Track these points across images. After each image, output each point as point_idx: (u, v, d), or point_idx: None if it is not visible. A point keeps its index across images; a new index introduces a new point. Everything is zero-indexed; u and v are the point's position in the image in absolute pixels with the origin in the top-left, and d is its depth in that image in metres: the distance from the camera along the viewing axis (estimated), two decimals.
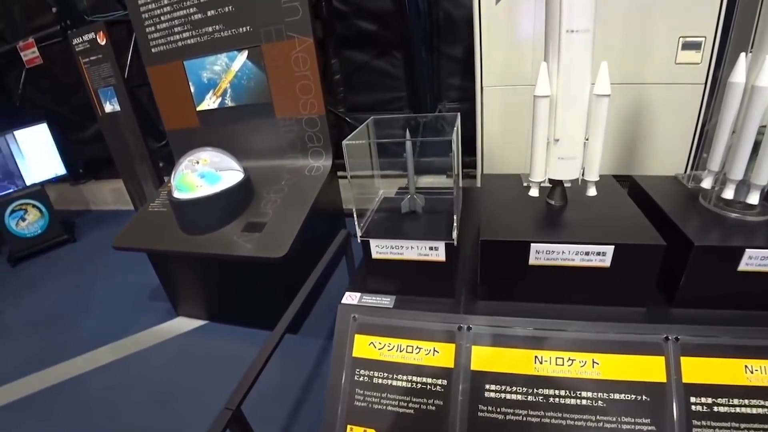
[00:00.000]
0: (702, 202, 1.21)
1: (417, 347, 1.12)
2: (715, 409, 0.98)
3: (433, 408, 1.07)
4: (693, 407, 0.99)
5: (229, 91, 2.14)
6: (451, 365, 1.09)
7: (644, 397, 1.00)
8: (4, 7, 3.46)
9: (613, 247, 1.03)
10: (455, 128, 1.17)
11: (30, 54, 3.37)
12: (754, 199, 1.08)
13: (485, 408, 1.04)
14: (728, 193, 1.11)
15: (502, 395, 1.04)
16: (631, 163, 1.94)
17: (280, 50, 1.98)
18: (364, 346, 1.16)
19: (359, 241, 1.17)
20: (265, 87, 2.08)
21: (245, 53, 2.04)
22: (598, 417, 1.00)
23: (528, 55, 1.80)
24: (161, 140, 3.20)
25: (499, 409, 1.04)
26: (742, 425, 0.97)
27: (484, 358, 1.08)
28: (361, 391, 1.12)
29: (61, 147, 3.46)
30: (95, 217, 3.93)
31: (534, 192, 1.18)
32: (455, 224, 1.07)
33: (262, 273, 1.89)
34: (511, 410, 1.03)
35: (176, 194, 1.92)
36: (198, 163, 1.96)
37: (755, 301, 1.06)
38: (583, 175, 1.13)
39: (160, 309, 2.30)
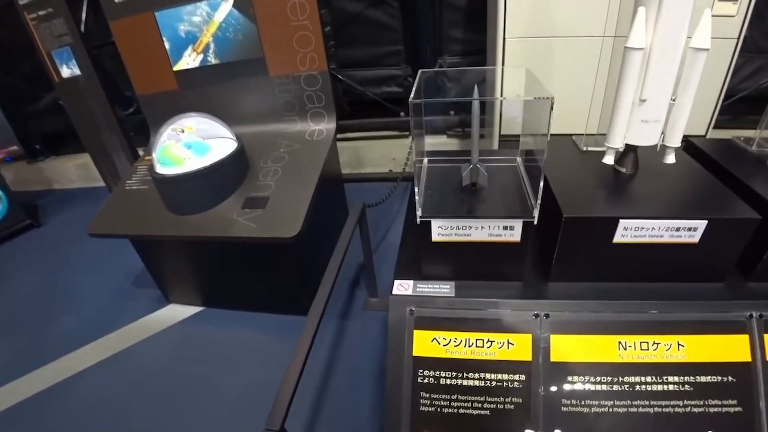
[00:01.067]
0: None
1: (488, 340, 1.00)
2: None
3: (512, 407, 0.97)
4: None
5: (212, 46, 1.83)
6: (529, 358, 0.98)
7: (730, 378, 0.95)
8: None
9: (706, 222, 0.93)
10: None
11: None
12: None
13: (569, 402, 0.96)
14: None
15: (587, 386, 0.96)
16: None
17: None
18: (426, 343, 1.03)
19: (418, 221, 1.01)
20: (255, 40, 1.79)
21: (230, 0, 1.73)
22: (685, 402, 0.95)
23: (558, 3, 1.63)
24: (128, 108, 2.80)
25: (584, 402, 0.95)
26: None
27: (565, 347, 0.98)
28: (427, 395, 1.00)
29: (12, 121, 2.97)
30: (60, 198, 3.45)
31: (609, 159, 1.06)
32: (538, 199, 0.93)
33: (264, 252, 1.70)
34: (597, 402, 0.95)
35: (160, 169, 1.66)
36: (183, 131, 1.69)
37: None
38: (662, 140, 1.02)
39: (149, 297, 2.06)
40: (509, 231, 0.98)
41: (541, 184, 0.91)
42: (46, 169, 3.60)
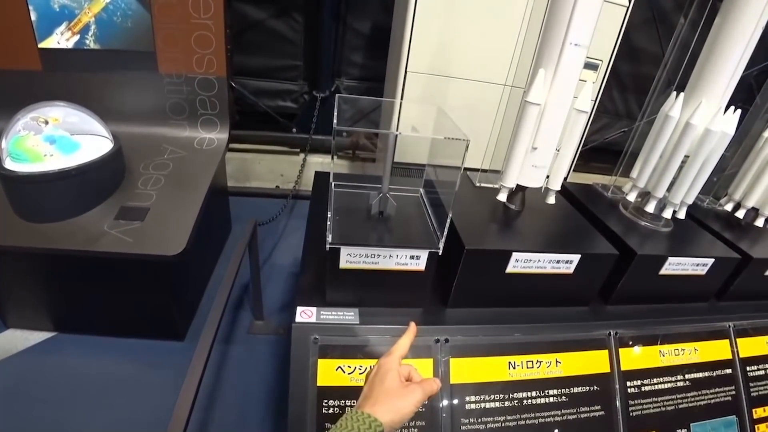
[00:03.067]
0: (622, 210, 1.38)
1: None
2: (643, 388, 1.16)
3: (416, 430, 0.99)
4: (629, 390, 1.15)
5: (93, 27, 1.58)
6: None
7: (595, 387, 1.12)
8: None
9: (579, 256, 1.09)
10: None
11: None
12: (668, 213, 1.27)
13: (467, 420, 1.02)
14: (650, 207, 1.29)
15: (482, 405, 1.04)
16: None
17: None
18: (331, 373, 1.00)
19: (327, 248, 0.99)
20: (147, 30, 1.60)
21: None
22: (562, 411, 1.08)
23: (459, 47, 1.78)
24: None
25: (480, 419, 1.02)
26: (659, 398, 1.17)
27: (463, 369, 1.05)
28: (331, 425, 0.97)
29: None
30: None
31: (503, 196, 1.18)
32: (445, 231, 0.98)
33: (136, 270, 1.51)
34: (491, 418, 1.03)
35: (10, 164, 1.37)
36: (47, 123, 1.42)
37: (668, 296, 1.27)
38: (546, 183, 1.17)
39: None
40: (415, 260, 1.02)
41: (449, 218, 0.97)
42: None
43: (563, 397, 1.09)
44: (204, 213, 1.60)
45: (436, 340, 1.05)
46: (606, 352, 1.15)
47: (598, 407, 1.11)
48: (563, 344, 1.12)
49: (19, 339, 1.63)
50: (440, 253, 1.01)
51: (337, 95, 1.08)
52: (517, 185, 1.17)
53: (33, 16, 1.58)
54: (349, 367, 1.01)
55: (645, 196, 1.32)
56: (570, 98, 1.04)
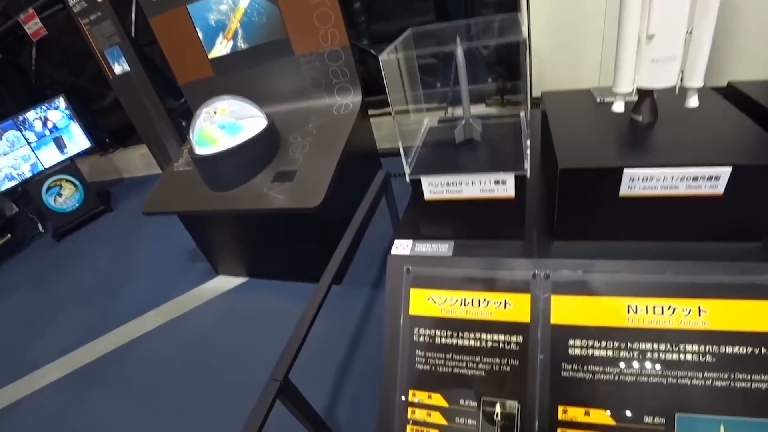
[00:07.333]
0: None
1: (485, 300, 0.97)
2: None
3: (508, 368, 0.93)
4: None
5: (240, 31, 1.92)
6: (527, 319, 0.94)
7: (764, 350, 0.83)
8: None
9: (730, 168, 0.81)
10: (522, 27, 0.93)
11: (33, 26, 3.22)
12: None
13: (569, 366, 0.90)
14: None
15: (590, 351, 0.89)
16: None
17: None
18: (422, 302, 1.02)
19: (408, 180, 0.99)
20: (279, 21, 1.84)
21: None
22: (706, 373, 0.83)
23: None
24: (181, 97, 3.03)
25: (586, 368, 0.89)
26: None
27: (566, 309, 0.92)
28: (422, 353, 1.00)
29: (84, 118, 3.36)
30: (129, 185, 3.96)
31: (618, 106, 0.96)
32: (527, 150, 0.87)
33: (298, 223, 1.78)
34: (602, 368, 0.88)
35: (198, 150, 1.79)
36: (216, 113, 1.79)
37: None
38: (681, 81, 0.90)
39: (200, 270, 2.27)
40: (502, 185, 0.93)
41: (528, 136, 0.85)
42: (115, 160, 4.08)
43: (708, 356, 0.84)
44: (345, 171, 1.76)
45: (534, 275, 0.95)
46: None
47: (765, 378, 0.82)
48: (711, 288, 0.85)
49: (225, 282, 2.16)
50: (527, 176, 0.91)
51: (410, 29, 1.05)
52: (640, 90, 0.94)
53: (201, 36, 2.00)
54: (440, 297, 1.01)
55: None
56: None
